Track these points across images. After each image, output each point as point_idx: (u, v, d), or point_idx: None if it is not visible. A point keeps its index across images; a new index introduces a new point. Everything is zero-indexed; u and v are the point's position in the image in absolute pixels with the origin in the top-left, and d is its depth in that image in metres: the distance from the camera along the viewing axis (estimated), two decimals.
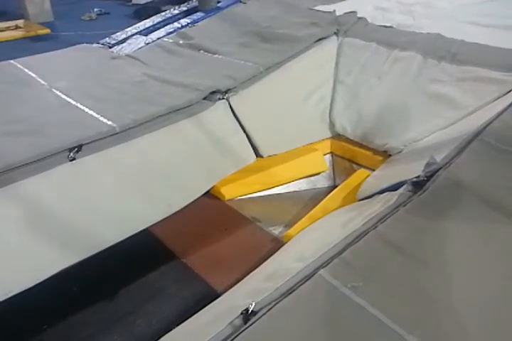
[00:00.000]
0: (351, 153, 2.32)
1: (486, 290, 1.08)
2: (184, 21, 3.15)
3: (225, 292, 1.43)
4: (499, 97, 1.92)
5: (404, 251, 1.18)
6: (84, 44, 2.99)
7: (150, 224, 1.73)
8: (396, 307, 1.03)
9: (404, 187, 1.40)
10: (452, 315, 1.01)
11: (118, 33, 3.08)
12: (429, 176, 1.39)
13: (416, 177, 1.40)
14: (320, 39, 2.44)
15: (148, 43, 2.84)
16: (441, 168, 1.41)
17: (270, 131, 2.23)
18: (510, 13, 2.74)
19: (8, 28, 6.27)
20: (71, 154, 1.61)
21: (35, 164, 1.55)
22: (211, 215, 2.10)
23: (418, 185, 1.38)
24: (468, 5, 2.96)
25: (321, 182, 2.38)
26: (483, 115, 1.78)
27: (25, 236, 1.49)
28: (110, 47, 2.90)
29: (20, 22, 6.54)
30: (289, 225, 1.96)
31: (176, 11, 3.43)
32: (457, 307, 1.03)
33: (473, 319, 1.01)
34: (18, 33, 6.18)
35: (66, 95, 2.06)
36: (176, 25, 3.10)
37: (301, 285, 1.11)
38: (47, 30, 6.30)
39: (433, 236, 1.22)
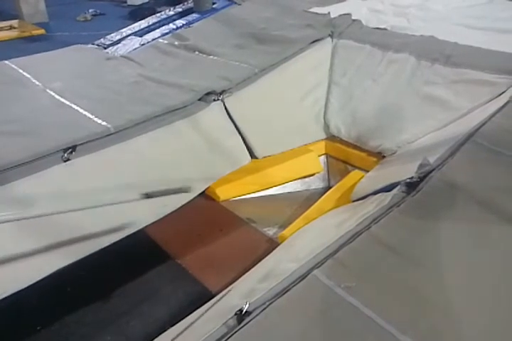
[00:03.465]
0: (346, 155, 2.33)
1: (479, 290, 1.08)
2: (179, 22, 3.15)
3: (219, 292, 1.43)
4: (492, 99, 1.93)
5: (398, 251, 1.18)
6: (79, 45, 2.98)
7: (145, 225, 1.73)
8: (389, 308, 1.04)
9: (398, 188, 1.41)
10: (445, 315, 1.02)
11: (113, 34, 3.08)
12: (423, 177, 1.40)
13: (409, 178, 1.41)
14: (315, 41, 2.46)
15: (143, 44, 2.84)
16: (434, 169, 1.42)
17: (265, 132, 2.24)
18: (504, 16, 2.76)
19: (2, 29, 6.24)
20: (65, 155, 1.61)
21: (29, 165, 1.54)
22: (206, 216, 2.10)
23: (411, 185, 1.39)
24: (462, 7, 2.98)
25: (316, 183, 2.39)
26: (476, 117, 1.80)
27: (19, 237, 1.48)
28: (105, 48, 2.89)
29: (14, 22, 6.51)
30: (283, 226, 1.96)
31: (171, 12, 3.42)
32: (450, 308, 1.04)
33: (466, 319, 1.01)
34: (12, 34, 6.15)
35: (60, 96, 2.06)
36: (171, 26, 3.10)
37: (295, 285, 1.11)
38: (41, 31, 6.27)
39: (426, 237, 1.23)
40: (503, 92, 1.92)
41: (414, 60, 2.24)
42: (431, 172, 1.41)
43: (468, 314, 1.02)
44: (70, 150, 1.62)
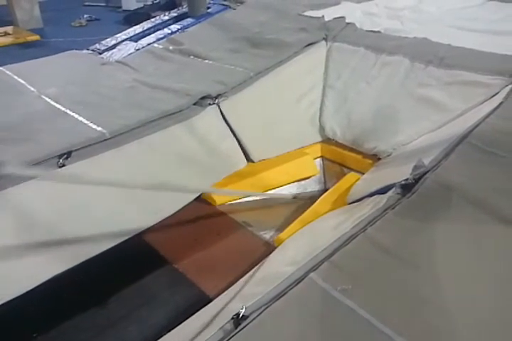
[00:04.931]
0: (341, 157, 2.34)
1: (475, 291, 1.09)
2: (174, 27, 3.17)
3: (217, 297, 1.43)
4: (486, 100, 1.95)
5: (394, 253, 1.19)
6: (74, 50, 2.99)
7: (141, 230, 1.73)
8: (386, 309, 1.04)
9: (393, 189, 1.42)
10: (442, 317, 1.02)
11: (108, 39, 3.09)
12: (418, 179, 1.41)
13: (404, 180, 1.42)
14: (309, 44, 2.47)
15: (138, 49, 2.85)
16: (429, 171, 1.43)
17: (261, 136, 2.24)
18: (497, 18, 2.79)
19: None
20: (60, 161, 1.61)
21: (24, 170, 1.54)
22: (202, 220, 2.10)
23: (406, 187, 1.39)
24: (455, 10, 3.01)
25: (312, 186, 2.40)
26: (470, 118, 1.81)
27: (15, 243, 1.48)
28: (100, 54, 2.90)
29: (9, 28, 6.52)
30: (280, 229, 1.96)
31: (166, 17, 3.44)
32: (447, 309, 1.04)
33: (462, 320, 1.02)
34: (7, 40, 6.15)
35: (56, 102, 2.06)
36: (166, 31, 3.12)
37: (291, 288, 1.12)
38: (36, 37, 6.28)
39: (422, 238, 1.23)
40: (496, 93, 1.93)
41: (408, 62, 2.25)
42: (426, 173, 1.42)
43: (465, 315, 1.02)
44: (66, 156, 1.62)
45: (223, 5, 3.41)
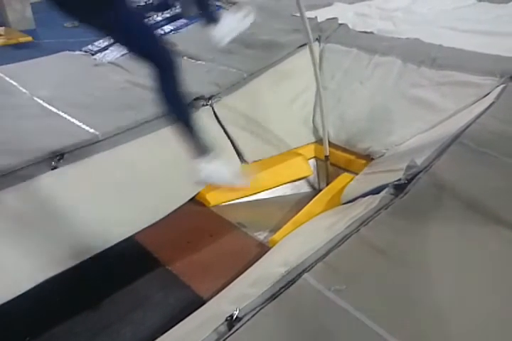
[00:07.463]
0: (335, 158, 2.34)
1: (467, 291, 1.09)
2: (167, 28, 3.16)
3: (211, 298, 1.43)
4: (477, 101, 1.96)
5: (387, 253, 1.19)
6: (67, 51, 2.97)
7: (135, 232, 1.72)
8: (379, 310, 1.04)
9: (386, 190, 1.42)
10: (434, 316, 1.02)
11: (101, 40, 3.06)
12: (410, 179, 1.41)
13: (397, 181, 1.42)
14: (302, 45, 2.47)
15: None
16: (421, 171, 1.44)
17: (254, 137, 2.24)
18: (487, 19, 2.81)
19: None
20: (53, 163, 1.60)
21: (16, 173, 1.53)
22: (196, 222, 2.09)
23: (399, 187, 1.40)
24: (447, 11, 3.03)
25: (306, 186, 2.40)
26: (461, 118, 1.82)
27: (6, 246, 1.47)
28: (93, 55, 2.88)
29: (1, 29, 6.46)
30: (274, 230, 1.96)
31: (159, 18, 3.43)
32: (439, 309, 1.04)
33: (454, 320, 1.02)
34: None
35: (48, 103, 2.04)
36: (159, 32, 3.10)
37: (285, 290, 1.11)
38: (29, 38, 6.22)
39: (414, 238, 1.24)
40: (487, 94, 1.95)
41: (401, 62, 2.27)
42: (418, 173, 1.43)
43: (456, 315, 1.03)
44: (58, 157, 1.62)
45: (216, 6, 3.40)
